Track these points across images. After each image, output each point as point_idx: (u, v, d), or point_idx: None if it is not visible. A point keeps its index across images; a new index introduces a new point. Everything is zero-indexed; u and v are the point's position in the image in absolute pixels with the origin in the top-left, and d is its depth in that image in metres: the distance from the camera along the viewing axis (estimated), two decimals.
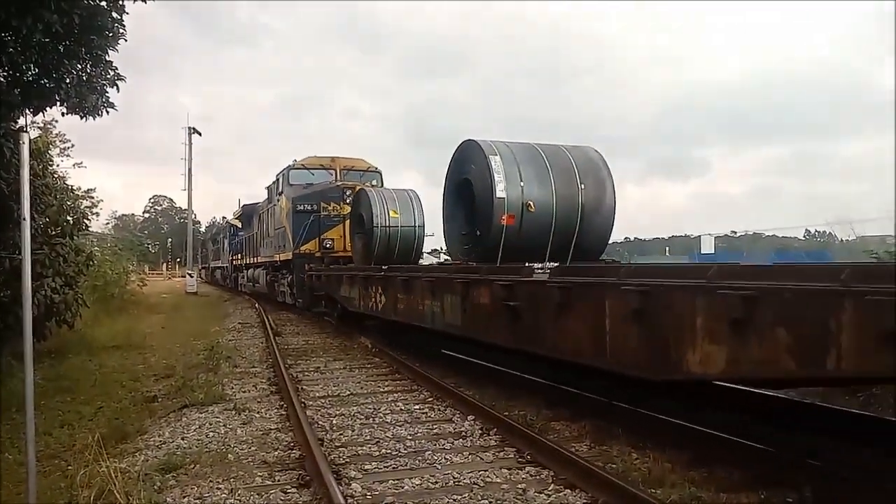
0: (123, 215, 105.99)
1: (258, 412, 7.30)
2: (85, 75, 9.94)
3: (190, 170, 38.66)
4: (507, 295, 6.67)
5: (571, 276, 5.97)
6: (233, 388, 8.69)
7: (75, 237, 12.33)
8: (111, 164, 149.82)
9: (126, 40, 10.06)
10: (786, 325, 3.70)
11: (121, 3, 9.73)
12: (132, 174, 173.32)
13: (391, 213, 13.94)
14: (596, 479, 4.55)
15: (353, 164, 19.24)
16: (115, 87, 10.28)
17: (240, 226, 30.06)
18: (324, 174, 18.78)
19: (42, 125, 20.08)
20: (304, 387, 8.61)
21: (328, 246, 17.36)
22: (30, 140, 5.00)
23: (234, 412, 7.27)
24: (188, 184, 38.93)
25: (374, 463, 5.35)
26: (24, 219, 4.45)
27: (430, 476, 4.99)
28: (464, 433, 6.17)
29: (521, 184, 9.03)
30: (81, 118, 10.12)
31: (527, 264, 7.10)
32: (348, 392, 8.27)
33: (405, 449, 5.71)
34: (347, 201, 16.88)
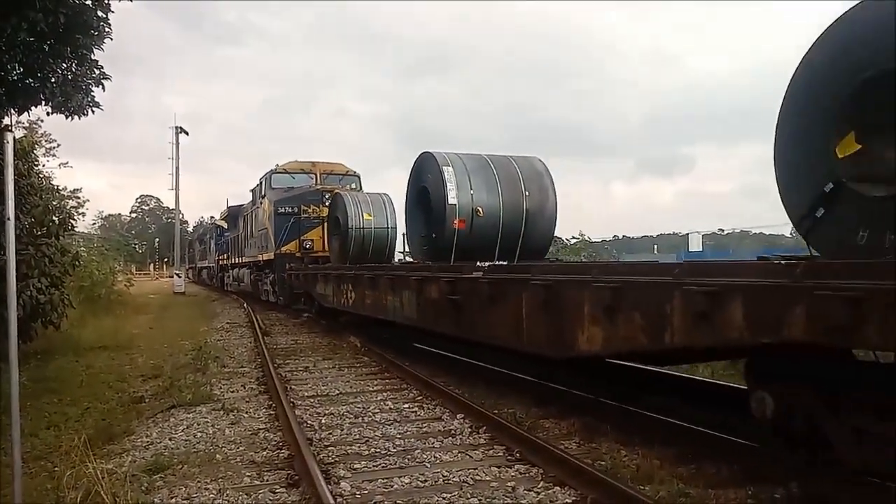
0: (110, 215, 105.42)
1: (247, 412, 7.27)
2: (70, 74, 9.88)
3: (177, 169, 38.53)
4: (450, 290, 7.63)
5: (499, 274, 6.98)
6: (221, 388, 8.65)
7: (61, 237, 12.23)
8: (98, 164, 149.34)
9: (112, 39, 10.04)
10: (639, 310, 4.78)
11: (106, 1, 9.69)
12: (119, 174, 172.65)
13: (365, 216, 14.82)
14: (585, 476, 4.56)
15: (333, 168, 20.27)
16: (100, 87, 10.24)
17: (226, 226, 30.77)
18: (304, 178, 19.79)
19: (27, 125, 19.92)
20: (293, 386, 8.59)
21: (308, 246, 18.43)
22: (14, 139, 4.97)
23: (222, 412, 7.24)
24: (175, 183, 38.80)
25: (363, 462, 5.34)
26: (9, 219, 4.41)
27: (419, 474, 4.99)
28: (453, 431, 6.17)
29: (472, 191, 10.22)
30: (67, 117, 10.06)
31: (478, 263, 7.87)
32: (337, 391, 8.25)
33: (394, 448, 5.71)
34: (326, 204, 17.70)
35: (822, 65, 4.91)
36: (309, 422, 6.68)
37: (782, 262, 4.21)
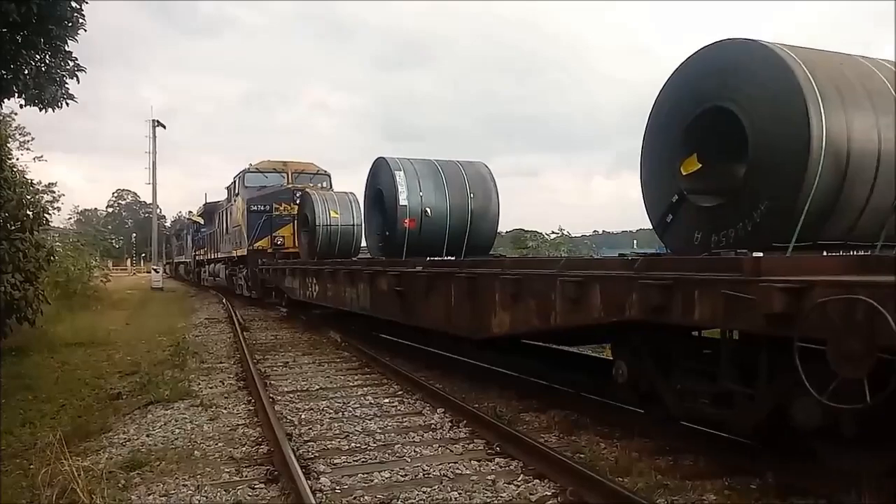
0: (86, 210, 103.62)
1: (225, 408, 7.22)
2: (43, 66, 9.71)
3: (154, 163, 37.85)
4: (397, 282, 8.66)
5: (434, 268, 8.07)
6: (199, 384, 8.58)
7: (36, 232, 12.06)
8: (73, 157, 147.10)
9: (86, 30, 9.84)
10: (533, 297, 5.84)
11: None
12: (95, 167, 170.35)
13: (332, 213, 15.51)
14: (564, 468, 4.60)
15: (304, 168, 21.28)
16: (74, 79, 10.06)
17: (202, 222, 31.22)
18: (277, 177, 20.74)
19: (0, 118, 19.55)
20: (273, 382, 8.54)
21: (279, 243, 19.30)
22: None
23: (200, 408, 7.17)
24: (153, 178, 38.14)
25: (343, 457, 5.33)
26: None
27: (399, 469, 4.99)
28: (433, 426, 6.18)
29: (421, 194, 11.37)
30: (40, 110, 9.89)
31: (428, 258, 8.91)
32: (318, 386, 8.22)
33: (375, 442, 5.70)
34: (297, 202, 18.21)
35: (674, 92, 6.11)
36: (289, 417, 6.65)
37: (629, 258, 5.43)
